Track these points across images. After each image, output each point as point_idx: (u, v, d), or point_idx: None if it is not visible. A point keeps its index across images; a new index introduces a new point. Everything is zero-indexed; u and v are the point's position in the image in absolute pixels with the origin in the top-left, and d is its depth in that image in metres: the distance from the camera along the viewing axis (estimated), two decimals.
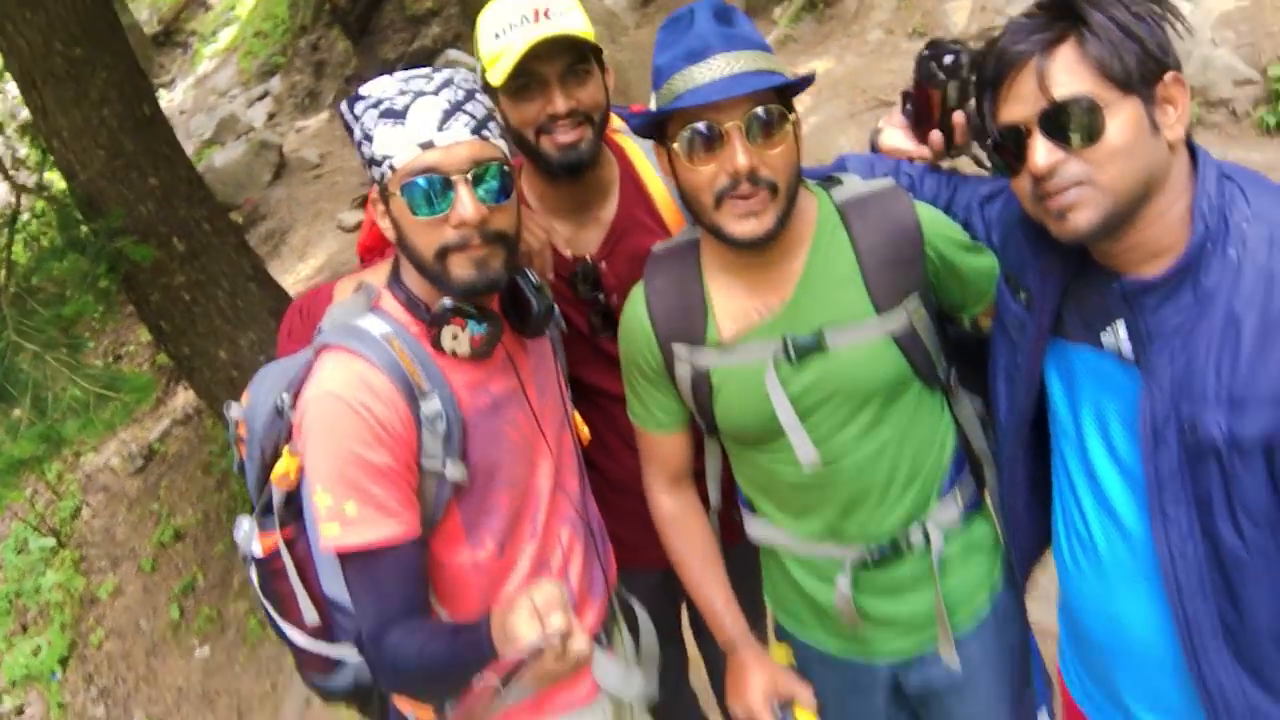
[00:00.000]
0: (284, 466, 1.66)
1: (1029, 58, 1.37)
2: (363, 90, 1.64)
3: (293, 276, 8.25)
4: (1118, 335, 1.47)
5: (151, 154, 4.64)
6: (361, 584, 1.62)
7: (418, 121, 1.57)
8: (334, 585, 1.72)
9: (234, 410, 1.80)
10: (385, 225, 1.68)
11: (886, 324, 1.71)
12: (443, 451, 1.64)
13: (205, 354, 4.88)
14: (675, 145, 1.62)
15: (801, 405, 1.74)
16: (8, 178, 4.92)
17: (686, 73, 1.58)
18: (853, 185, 1.79)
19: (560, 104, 1.88)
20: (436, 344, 1.65)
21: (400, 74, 1.63)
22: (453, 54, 8.73)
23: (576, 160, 1.92)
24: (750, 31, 1.63)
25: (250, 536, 1.76)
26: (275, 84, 12.56)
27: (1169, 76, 1.37)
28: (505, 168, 1.63)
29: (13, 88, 5.17)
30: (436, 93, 1.59)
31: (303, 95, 11.94)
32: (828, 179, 1.82)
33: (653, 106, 1.68)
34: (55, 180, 5.15)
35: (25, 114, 5.03)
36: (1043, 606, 2.10)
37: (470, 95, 1.63)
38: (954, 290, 1.79)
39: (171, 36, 16.01)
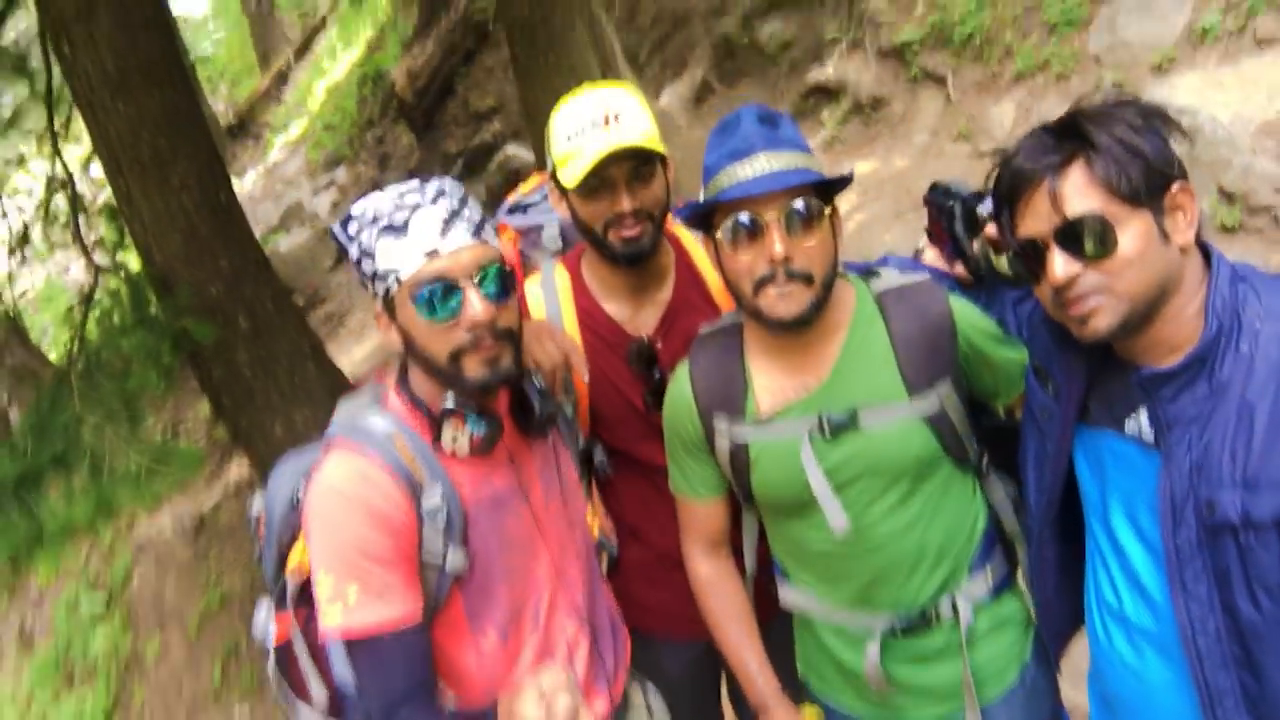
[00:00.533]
0: (298, 557, 1.74)
1: (1042, 178, 1.48)
2: (354, 210, 1.69)
3: (349, 358, 8.52)
4: (1140, 422, 1.57)
5: (225, 238, 4.91)
6: (366, 667, 1.63)
7: (420, 232, 1.63)
8: (343, 671, 1.75)
9: (255, 503, 1.87)
10: (392, 338, 1.73)
11: (918, 406, 1.82)
12: (443, 543, 1.68)
13: (262, 428, 5.09)
14: (719, 234, 1.78)
15: (835, 480, 1.85)
16: (88, 258, 5.22)
17: (731, 169, 1.74)
18: (890, 277, 1.93)
19: (626, 204, 2.03)
20: (437, 441, 1.70)
21: (390, 190, 1.69)
22: (511, 149, 9.08)
23: (638, 253, 2.08)
24: (793, 134, 1.79)
25: (267, 624, 1.82)
26: (341, 174, 13.09)
27: (1175, 186, 1.47)
28: (506, 268, 1.71)
29: (95, 170, 5.52)
30: (434, 202, 1.66)
31: (367, 186, 12.42)
32: (868, 271, 1.97)
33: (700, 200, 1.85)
34: (130, 260, 5.42)
35: (104, 196, 5.36)
36: (1073, 684, 2.15)
37: (464, 202, 1.71)
38: (986, 378, 1.91)
39: (245, 127, 16.78)
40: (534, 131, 5.78)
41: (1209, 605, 1.51)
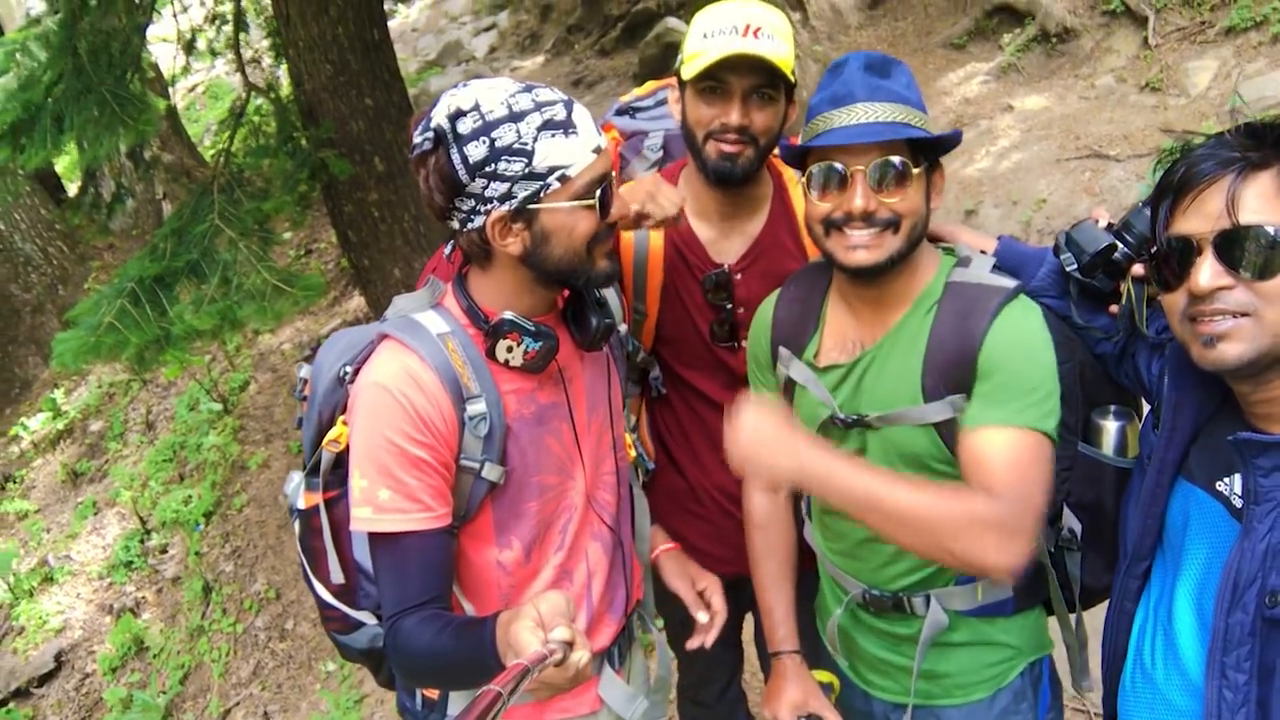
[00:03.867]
0: (336, 432, 1.75)
1: (1223, 175, 1.34)
2: (464, 104, 1.57)
3: None
4: (1233, 487, 1.45)
5: (372, 76, 4.95)
6: (386, 566, 1.67)
7: (586, 129, 1.61)
8: (363, 553, 1.82)
9: (303, 370, 1.86)
10: (511, 242, 1.64)
11: (928, 414, 1.74)
12: (482, 452, 1.68)
13: (382, 269, 5.23)
14: (805, 179, 1.74)
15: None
16: (243, 74, 5.35)
17: (828, 115, 1.70)
18: (976, 270, 1.79)
19: (735, 117, 1.97)
20: (491, 354, 1.69)
21: (499, 86, 1.60)
22: (672, 22, 8.83)
23: (729, 173, 2.02)
24: (900, 86, 1.71)
25: (298, 491, 1.85)
26: (503, 19, 12.99)
27: None
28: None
29: None
30: (571, 101, 1.64)
31: (525, 35, 12.33)
32: (965, 256, 1.83)
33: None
34: (281, 85, 5.53)
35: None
36: None
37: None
38: (972, 401, 1.71)
39: None
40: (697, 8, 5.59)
41: (1244, 696, 1.40)
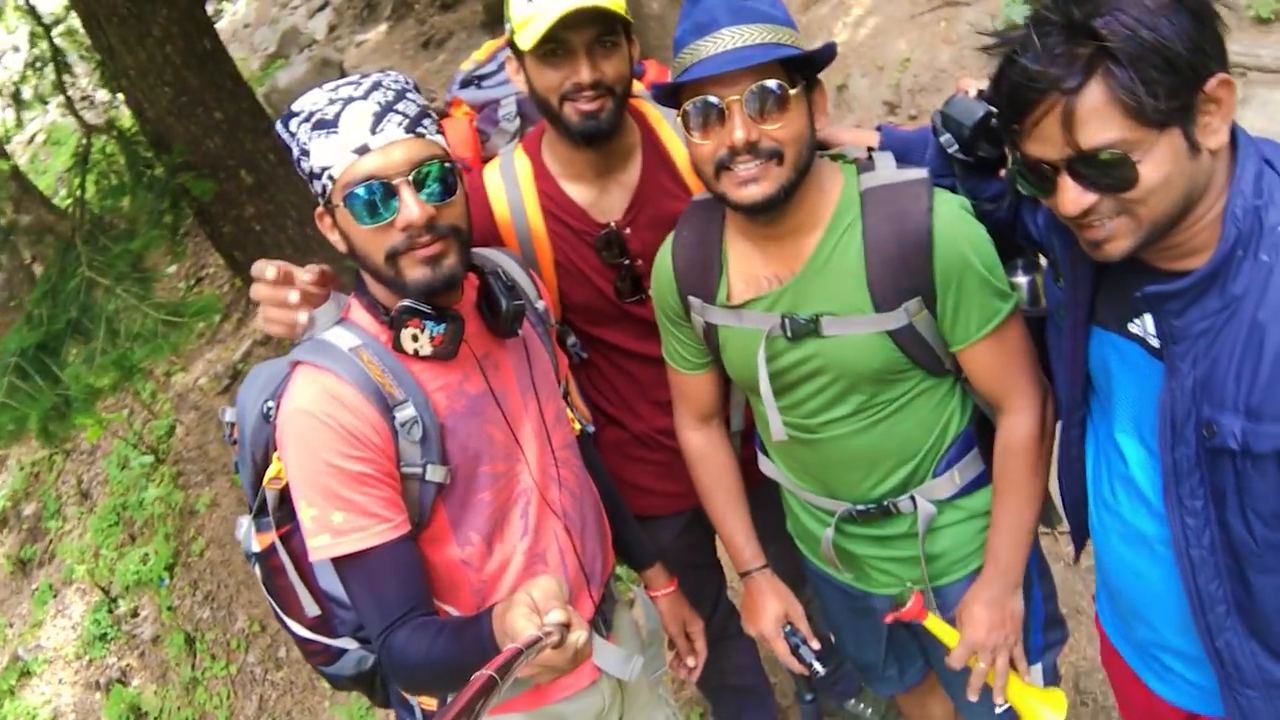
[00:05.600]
0: (275, 470, 1.70)
1: (1054, 97, 1.26)
2: (294, 106, 1.61)
3: None
4: (1145, 328, 1.46)
5: (215, 88, 4.78)
6: (360, 587, 1.63)
7: (350, 127, 1.54)
8: (330, 582, 1.77)
9: (228, 413, 1.82)
10: (335, 239, 1.65)
11: (882, 322, 1.72)
12: (421, 456, 1.65)
13: None
14: (682, 118, 1.65)
15: (790, 377, 1.81)
16: (77, 117, 5.09)
17: (694, 46, 1.60)
18: (884, 171, 1.74)
19: (586, 74, 1.89)
20: (398, 346, 1.64)
21: (328, 84, 1.60)
22: None
23: (595, 130, 1.95)
24: (765, 4, 1.62)
25: (249, 535, 1.80)
26: None
27: (1213, 82, 1.25)
28: (446, 164, 1.61)
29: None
30: (365, 96, 1.56)
31: (361, 7, 11.89)
32: (863, 161, 1.79)
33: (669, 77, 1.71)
34: (121, 119, 5.30)
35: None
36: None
37: (401, 95, 1.60)
38: (947, 313, 1.73)
39: None
40: None
41: (1204, 519, 1.44)
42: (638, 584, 2.33)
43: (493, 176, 2.15)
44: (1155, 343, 1.44)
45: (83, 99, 5.48)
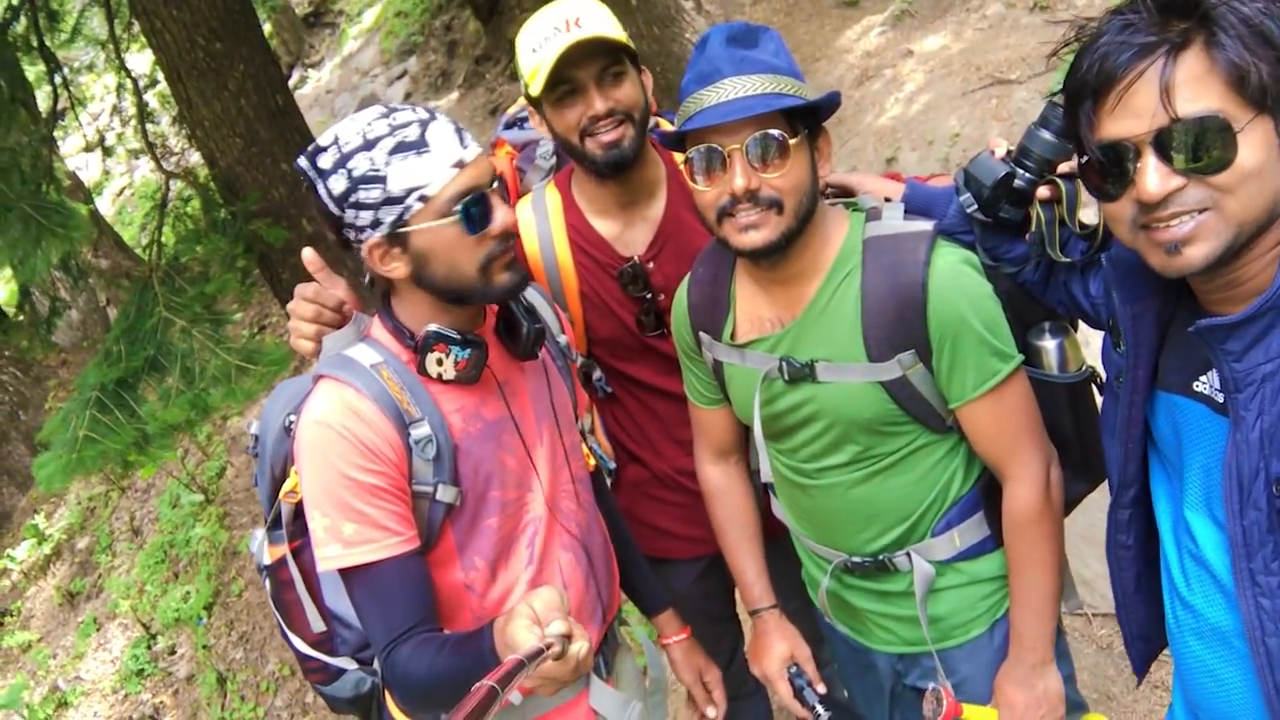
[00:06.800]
0: (291, 483, 1.73)
1: (1146, 63, 1.15)
2: (324, 140, 1.59)
3: None
4: (1211, 384, 1.33)
5: (284, 141, 4.97)
6: (367, 600, 1.63)
7: (442, 145, 1.57)
8: (336, 599, 1.79)
9: (253, 426, 1.84)
10: (396, 266, 1.62)
11: (876, 372, 1.71)
12: (433, 475, 1.66)
13: None
14: (686, 165, 1.69)
15: (788, 420, 1.83)
16: (158, 163, 5.34)
17: (697, 95, 1.64)
18: (890, 221, 1.74)
19: (599, 105, 1.95)
20: (422, 370, 1.66)
21: (363, 116, 1.59)
22: None
23: (620, 158, 2.00)
24: (769, 54, 1.65)
25: (262, 547, 1.83)
26: (412, 63, 12.98)
27: None
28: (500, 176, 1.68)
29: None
30: (434, 117, 1.59)
31: (436, 75, 12.32)
32: (872, 209, 1.79)
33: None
34: (198, 168, 5.54)
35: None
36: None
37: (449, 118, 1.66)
38: (942, 370, 1.71)
39: (321, 17, 16.68)
40: None
41: None
42: (645, 631, 2.29)
43: (524, 210, 2.21)
44: (1220, 397, 1.31)
45: (163, 148, 5.72)
